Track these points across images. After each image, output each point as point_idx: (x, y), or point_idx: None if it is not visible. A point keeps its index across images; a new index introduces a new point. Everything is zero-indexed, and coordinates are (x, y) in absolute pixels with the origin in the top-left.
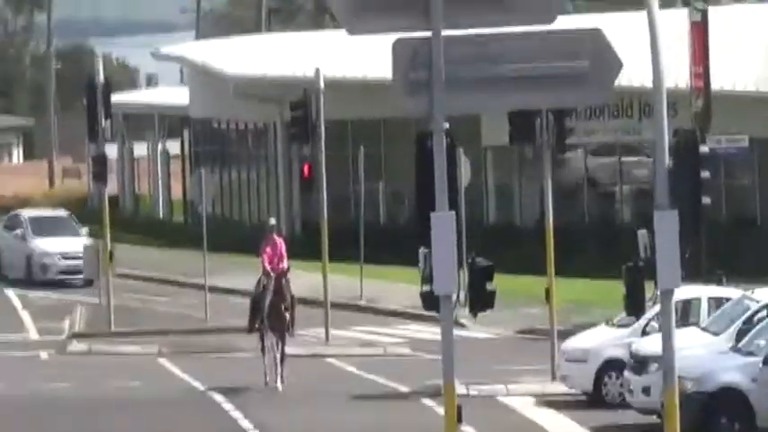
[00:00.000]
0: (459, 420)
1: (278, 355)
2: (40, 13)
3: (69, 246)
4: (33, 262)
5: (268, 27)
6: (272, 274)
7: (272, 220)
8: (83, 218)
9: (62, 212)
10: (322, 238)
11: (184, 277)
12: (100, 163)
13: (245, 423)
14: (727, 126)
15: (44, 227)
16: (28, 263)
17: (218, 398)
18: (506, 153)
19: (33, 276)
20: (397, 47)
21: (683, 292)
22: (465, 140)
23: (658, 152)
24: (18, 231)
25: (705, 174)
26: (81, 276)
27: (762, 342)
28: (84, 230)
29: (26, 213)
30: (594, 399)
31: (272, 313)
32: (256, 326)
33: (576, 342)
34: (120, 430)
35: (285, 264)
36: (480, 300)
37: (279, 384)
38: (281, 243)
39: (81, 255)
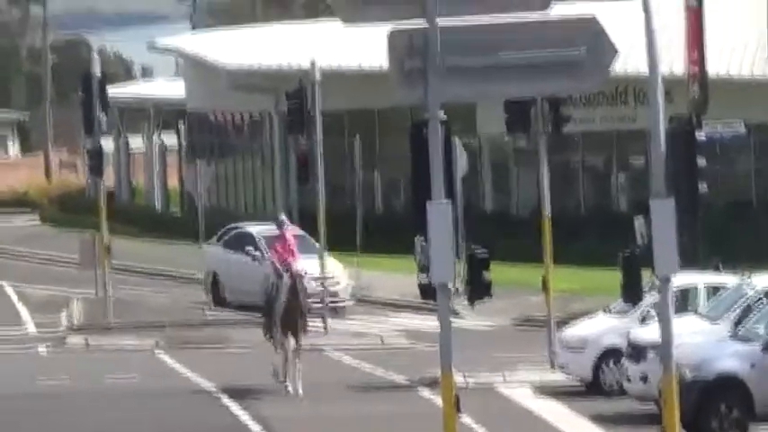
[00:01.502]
0: (458, 410)
1: (296, 359)
2: (35, 6)
3: (313, 267)
4: None
5: (263, 18)
6: (282, 271)
7: (282, 216)
8: (79, 211)
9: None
10: (319, 228)
11: (182, 269)
12: (96, 156)
13: (245, 417)
14: (724, 112)
15: None
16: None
17: (217, 391)
18: (502, 142)
19: None
20: (393, 36)
21: (681, 279)
22: (461, 129)
23: (654, 139)
24: (250, 250)
25: (701, 161)
26: (340, 301)
27: (760, 328)
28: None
29: (254, 230)
30: (593, 387)
31: (286, 314)
32: (271, 333)
33: (574, 331)
34: (120, 424)
35: (297, 262)
36: (478, 289)
37: (300, 389)
38: (291, 239)
39: (331, 276)
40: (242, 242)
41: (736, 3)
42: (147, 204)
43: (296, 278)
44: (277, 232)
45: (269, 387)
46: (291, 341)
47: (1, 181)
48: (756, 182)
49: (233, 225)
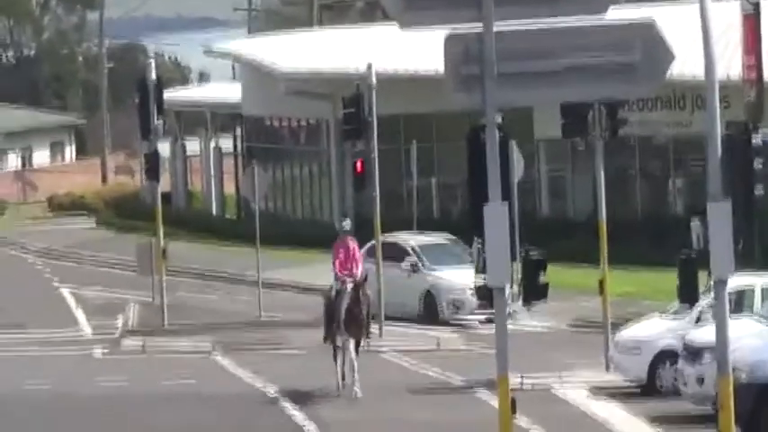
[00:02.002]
0: (514, 412)
1: (353, 357)
2: (91, 12)
3: (469, 278)
4: (439, 299)
5: (319, 23)
6: (345, 279)
7: (347, 223)
8: (134, 215)
9: (448, 237)
10: (375, 235)
11: (237, 273)
12: (152, 160)
13: (301, 418)
14: None
15: (438, 256)
16: (427, 300)
17: (274, 393)
18: (559, 146)
19: (440, 315)
20: (449, 42)
21: (737, 281)
22: (517, 134)
23: (711, 144)
24: (408, 262)
25: (758, 164)
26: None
27: None
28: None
29: (408, 239)
30: (648, 389)
31: (348, 319)
32: (332, 338)
33: (630, 333)
34: (176, 427)
35: (360, 268)
36: (534, 291)
37: (358, 390)
38: (354, 246)
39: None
40: (394, 252)
41: None
42: (203, 208)
43: (359, 286)
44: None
45: (326, 389)
46: (352, 345)
47: (59, 185)
48: None
49: (388, 235)
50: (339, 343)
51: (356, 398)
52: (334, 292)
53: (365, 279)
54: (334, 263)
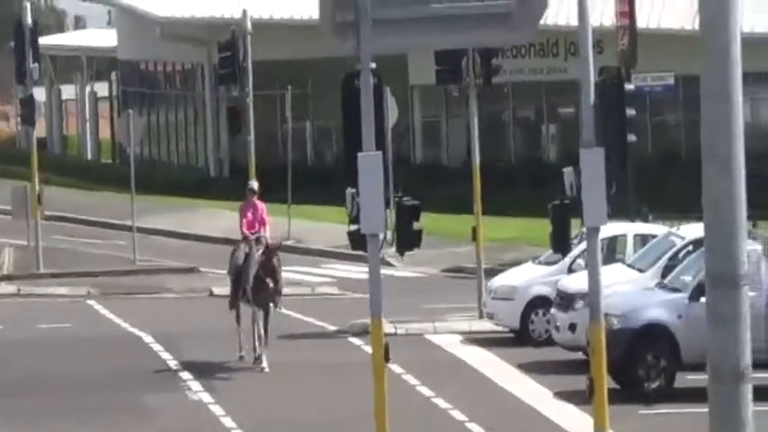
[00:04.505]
0: (387, 359)
1: (262, 331)
2: None
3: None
4: None
5: None
6: (252, 242)
7: (254, 183)
8: (10, 159)
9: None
10: (250, 179)
11: (113, 219)
12: (28, 105)
13: (173, 363)
14: (653, 64)
15: None
16: None
17: (147, 338)
18: (433, 92)
19: None
20: None
21: (609, 229)
22: (392, 80)
23: (584, 90)
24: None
25: (631, 111)
26: None
27: (687, 278)
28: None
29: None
30: (521, 336)
31: (256, 289)
32: (236, 304)
33: (503, 280)
34: (52, 371)
35: (268, 230)
36: (407, 238)
37: (265, 365)
38: (262, 207)
39: None
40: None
41: None
42: (78, 154)
43: (271, 251)
44: None
45: (199, 333)
46: (261, 317)
47: None
48: (685, 133)
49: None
50: (251, 316)
51: (263, 372)
52: (241, 256)
53: (279, 245)
54: (241, 224)
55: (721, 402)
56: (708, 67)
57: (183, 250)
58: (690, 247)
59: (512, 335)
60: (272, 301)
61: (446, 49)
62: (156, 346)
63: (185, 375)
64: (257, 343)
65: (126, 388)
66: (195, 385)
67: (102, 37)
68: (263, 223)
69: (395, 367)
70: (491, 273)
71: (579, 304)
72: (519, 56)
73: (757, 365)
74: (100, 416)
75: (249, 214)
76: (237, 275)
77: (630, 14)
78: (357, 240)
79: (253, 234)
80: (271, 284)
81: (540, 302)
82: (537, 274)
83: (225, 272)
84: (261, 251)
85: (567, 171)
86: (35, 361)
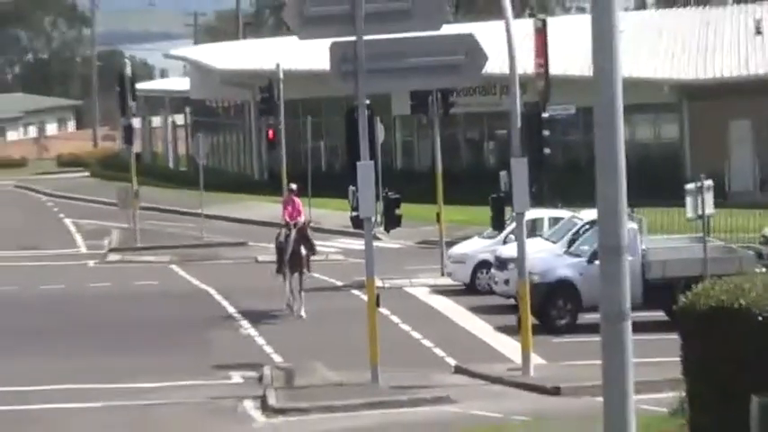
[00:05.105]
0: (378, 305)
1: (298, 289)
2: (86, 28)
3: None
4: None
5: (243, 35)
6: (291, 224)
7: (293, 185)
8: (116, 168)
9: None
10: (283, 182)
11: (187, 209)
12: (128, 130)
13: (231, 309)
14: (561, 99)
15: None
16: None
17: (212, 292)
18: (409, 120)
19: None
20: (333, 47)
21: (531, 213)
22: (380, 111)
23: (513, 118)
24: None
25: (546, 132)
26: None
27: (585, 248)
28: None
29: None
30: (471, 288)
31: (293, 257)
32: (281, 270)
33: (458, 249)
34: (144, 315)
35: (303, 217)
36: (391, 221)
37: (303, 313)
38: (298, 202)
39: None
40: None
41: (570, 24)
42: (163, 164)
43: (302, 230)
44: None
45: (248, 289)
46: (296, 278)
47: (63, 148)
48: (583, 148)
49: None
50: (289, 279)
51: (301, 318)
52: (283, 236)
53: (306, 224)
54: (283, 214)
55: (610, 335)
56: (598, 101)
57: (235, 230)
58: (587, 226)
59: (464, 287)
60: (306, 267)
61: (418, 90)
62: (218, 297)
63: (239, 317)
64: (292, 297)
65: (196, 326)
66: (245, 324)
67: (179, 83)
68: (298, 213)
69: (383, 311)
70: (449, 244)
71: (511, 266)
72: (468, 94)
73: (633, 308)
74: (177, 346)
75: (289, 207)
76: (281, 250)
77: (545, 65)
78: (357, 222)
79: (292, 222)
80: (304, 251)
81: (484, 265)
82: (482, 245)
83: (266, 245)
84: (296, 231)
85: (502, 174)
86: (132, 308)
